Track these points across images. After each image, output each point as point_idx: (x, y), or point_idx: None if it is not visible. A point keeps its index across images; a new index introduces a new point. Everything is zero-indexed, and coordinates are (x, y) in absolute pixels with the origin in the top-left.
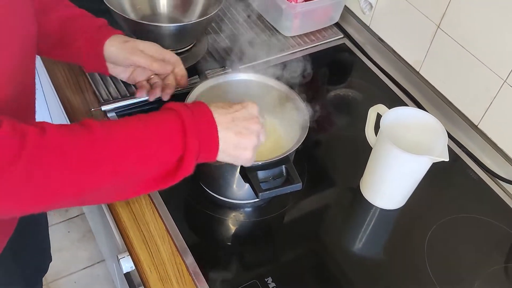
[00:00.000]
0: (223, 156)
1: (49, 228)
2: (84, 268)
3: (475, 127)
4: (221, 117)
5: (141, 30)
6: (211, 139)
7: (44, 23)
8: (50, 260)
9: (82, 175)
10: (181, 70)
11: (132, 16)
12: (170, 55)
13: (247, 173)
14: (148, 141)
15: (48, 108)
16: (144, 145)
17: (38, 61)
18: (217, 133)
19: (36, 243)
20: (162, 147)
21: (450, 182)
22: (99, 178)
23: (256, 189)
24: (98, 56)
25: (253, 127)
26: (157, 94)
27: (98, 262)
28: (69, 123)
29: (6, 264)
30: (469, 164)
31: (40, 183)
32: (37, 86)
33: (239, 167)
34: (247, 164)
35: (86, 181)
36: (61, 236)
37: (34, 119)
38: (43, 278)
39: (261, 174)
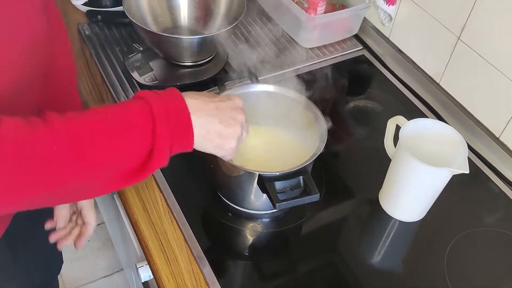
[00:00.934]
0: (205, 144)
1: None
2: (103, 277)
3: (496, 139)
4: (203, 105)
5: (162, 42)
6: (184, 127)
7: None
8: (62, 262)
9: (42, 173)
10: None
11: (153, 28)
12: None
13: (265, 183)
14: (114, 133)
15: None
16: (109, 138)
17: None
18: (190, 120)
19: (39, 239)
20: (130, 139)
21: (470, 194)
22: (61, 175)
23: (273, 200)
24: None
25: (238, 116)
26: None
27: (117, 271)
28: None
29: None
30: (490, 177)
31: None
32: None
33: (257, 178)
34: (229, 155)
35: (47, 179)
36: None
37: None
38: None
39: (278, 184)
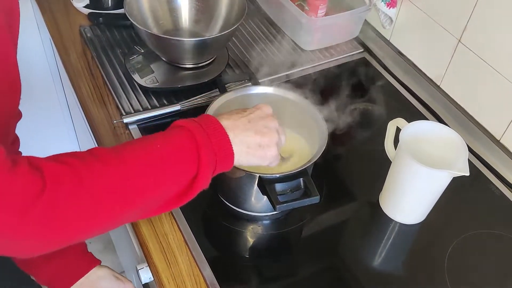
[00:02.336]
0: (249, 158)
1: None
2: None
3: (497, 142)
4: (237, 122)
5: (163, 45)
6: (226, 150)
7: None
8: None
9: (99, 207)
10: None
11: (155, 31)
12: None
13: (265, 185)
14: (162, 164)
15: (72, 120)
16: (158, 169)
17: (63, 75)
18: (229, 141)
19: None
20: (177, 168)
21: (471, 197)
22: (116, 208)
23: (273, 202)
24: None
25: (271, 124)
26: None
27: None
28: (92, 135)
29: None
30: (491, 179)
31: (60, 218)
32: (62, 99)
33: (257, 180)
34: (274, 162)
35: (103, 213)
36: None
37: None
38: None
39: (278, 186)
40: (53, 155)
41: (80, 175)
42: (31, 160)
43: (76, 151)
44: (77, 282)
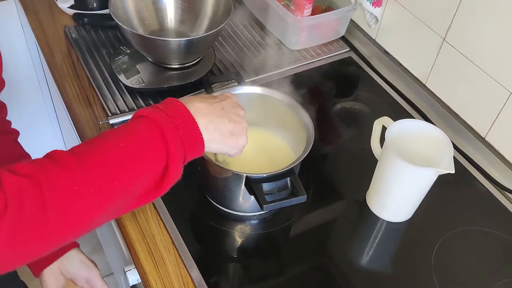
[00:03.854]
0: (219, 146)
1: None
2: None
3: (482, 139)
4: (212, 107)
5: (149, 45)
6: (195, 136)
7: None
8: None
9: (65, 217)
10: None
11: (140, 31)
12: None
13: (252, 185)
14: (128, 162)
15: (58, 121)
16: (124, 168)
17: (48, 76)
18: (198, 128)
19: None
20: (145, 163)
21: (457, 194)
22: (84, 216)
23: (260, 201)
24: None
25: (241, 112)
26: None
27: (106, 276)
28: (78, 136)
29: None
30: (476, 177)
31: (27, 235)
32: (48, 100)
33: (244, 179)
34: (240, 151)
35: (71, 222)
36: None
37: None
38: None
39: (266, 186)
40: (14, 165)
41: (41, 188)
42: None
43: (36, 158)
44: (51, 264)
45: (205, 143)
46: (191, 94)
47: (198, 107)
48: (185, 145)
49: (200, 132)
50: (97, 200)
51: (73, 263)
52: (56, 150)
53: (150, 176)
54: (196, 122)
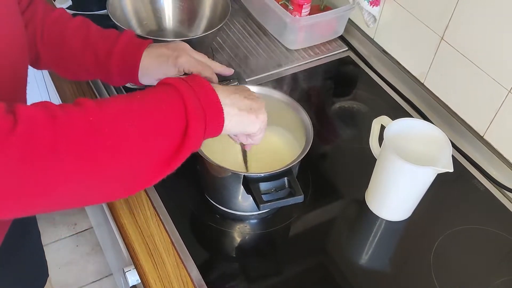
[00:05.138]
0: (240, 121)
1: (57, 242)
2: (92, 282)
3: (480, 138)
4: (225, 88)
5: None
6: (215, 106)
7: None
8: (47, 275)
9: (79, 160)
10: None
11: (138, 31)
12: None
13: (249, 184)
14: (148, 114)
15: None
16: (144, 119)
17: (47, 77)
18: (219, 99)
19: (24, 255)
20: (164, 117)
21: (456, 193)
22: (99, 161)
23: (257, 201)
24: (132, 70)
25: (256, 94)
26: None
27: (106, 276)
28: None
29: None
30: (475, 175)
31: (33, 169)
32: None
33: (242, 178)
34: (263, 129)
35: (84, 167)
36: (69, 250)
37: None
38: None
39: (263, 185)
40: (39, 104)
41: (54, 119)
42: (10, 105)
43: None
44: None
45: (225, 116)
46: None
47: (215, 86)
48: (205, 111)
49: (221, 104)
50: (110, 140)
51: (185, 51)
52: (81, 98)
53: (170, 134)
54: (216, 93)
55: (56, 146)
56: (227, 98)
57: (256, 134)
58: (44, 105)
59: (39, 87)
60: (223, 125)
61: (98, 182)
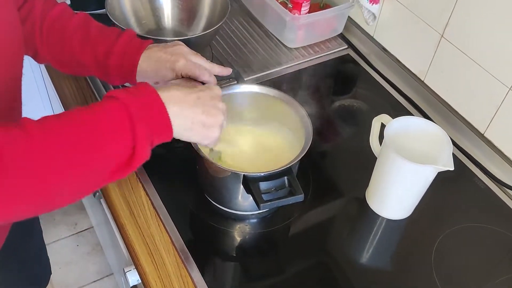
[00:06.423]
0: (191, 135)
1: (58, 242)
2: (93, 282)
3: (481, 136)
4: (185, 96)
5: None
6: (162, 120)
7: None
8: (50, 273)
9: (21, 181)
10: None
11: (137, 31)
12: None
13: (249, 184)
14: (94, 138)
15: None
16: (90, 143)
17: (46, 76)
18: (166, 111)
19: (27, 253)
20: (110, 141)
21: (457, 191)
22: (43, 184)
23: (257, 200)
24: (130, 72)
25: (219, 105)
26: None
27: (107, 276)
28: None
29: None
30: (476, 173)
31: None
32: (46, 101)
33: (242, 178)
34: (212, 144)
35: (28, 189)
36: (70, 250)
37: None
38: None
39: (263, 185)
40: None
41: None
42: None
43: (8, 125)
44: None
45: (174, 129)
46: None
47: (172, 95)
48: (152, 127)
49: (168, 116)
50: (55, 163)
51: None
52: (26, 118)
53: (117, 155)
54: (165, 106)
55: (4, 175)
56: (181, 111)
57: (209, 144)
58: None
59: (39, 87)
60: (170, 137)
61: (47, 199)
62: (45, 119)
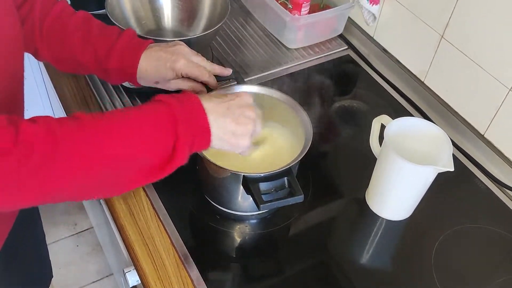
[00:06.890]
0: (221, 143)
1: (57, 242)
2: (93, 282)
3: (481, 137)
4: (216, 106)
5: None
6: (203, 126)
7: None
8: (51, 276)
9: (73, 164)
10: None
11: (137, 31)
12: (203, 63)
13: (249, 184)
14: (139, 131)
15: None
16: (135, 136)
17: (45, 76)
18: (207, 119)
19: (29, 253)
20: (153, 139)
21: (457, 192)
22: (90, 168)
23: (257, 201)
24: (130, 71)
25: (249, 113)
26: None
27: (107, 276)
28: None
29: None
30: (476, 174)
31: (33, 173)
32: (45, 100)
33: (242, 179)
34: (246, 152)
35: (77, 171)
36: (70, 250)
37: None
38: None
39: (263, 185)
40: (38, 116)
41: (55, 135)
42: (11, 117)
43: (61, 117)
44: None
45: (211, 138)
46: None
47: (207, 105)
48: (193, 132)
49: (209, 126)
50: (95, 157)
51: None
52: (79, 112)
53: (158, 153)
54: (207, 116)
55: (55, 157)
56: (215, 121)
57: (242, 153)
58: (45, 121)
59: (39, 87)
60: (209, 144)
61: (87, 188)
62: (97, 113)
